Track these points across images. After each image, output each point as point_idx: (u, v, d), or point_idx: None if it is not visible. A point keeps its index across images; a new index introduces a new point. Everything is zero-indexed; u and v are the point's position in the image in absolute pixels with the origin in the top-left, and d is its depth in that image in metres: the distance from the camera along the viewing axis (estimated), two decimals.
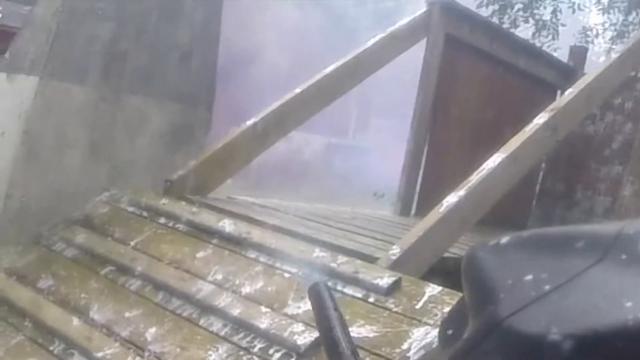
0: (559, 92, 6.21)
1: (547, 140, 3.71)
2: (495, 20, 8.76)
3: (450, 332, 0.64)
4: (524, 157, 3.55)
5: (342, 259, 2.84)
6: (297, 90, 4.30)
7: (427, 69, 5.25)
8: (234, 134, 3.98)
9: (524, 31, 9.09)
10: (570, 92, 3.90)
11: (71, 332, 2.72)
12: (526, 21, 9.01)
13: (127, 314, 2.80)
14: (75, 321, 2.78)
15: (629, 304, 0.50)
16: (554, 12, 8.96)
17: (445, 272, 3.26)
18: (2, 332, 2.84)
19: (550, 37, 9.04)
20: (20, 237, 3.42)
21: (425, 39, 5.19)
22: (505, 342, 0.52)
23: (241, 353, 2.50)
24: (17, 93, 3.53)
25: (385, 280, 2.66)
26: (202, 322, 2.69)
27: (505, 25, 8.94)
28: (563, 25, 9.07)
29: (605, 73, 4.12)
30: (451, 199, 3.19)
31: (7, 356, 2.74)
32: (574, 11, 9.26)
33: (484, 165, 3.39)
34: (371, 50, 4.74)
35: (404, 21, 5.02)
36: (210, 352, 2.52)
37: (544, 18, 9.05)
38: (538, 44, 9.02)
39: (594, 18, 9.99)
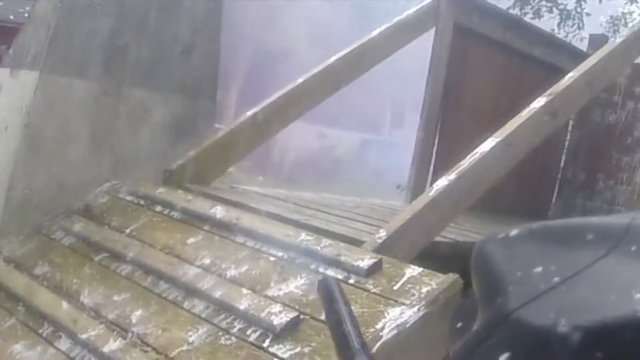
0: None
1: (545, 125, 3.66)
2: (517, 11, 8.66)
3: (459, 325, 0.63)
4: (520, 142, 3.51)
5: (325, 242, 2.86)
6: (299, 80, 4.33)
7: (436, 58, 5.23)
8: (234, 124, 4.03)
9: (549, 21, 8.97)
10: (570, 77, 3.85)
11: (60, 316, 2.79)
12: (550, 11, 8.88)
13: (115, 298, 2.86)
14: (65, 305, 2.85)
15: (638, 296, 0.50)
16: (578, 1, 8.81)
17: (438, 256, 3.26)
18: None
19: (575, 26, 8.90)
20: (23, 228, 3.51)
21: (433, 29, 5.19)
22: (514, 335, 0.52)
23: (220, 334, 2.53)
24: (20, 88, 3.63)
25: (365, 262, 2.67)
26: (186, 304, 2.73)
27: (528, 16, 8.84)
28: (588, 14, 8.92)
29: (607, 58, 4.05)
30: (441, 183, 3.18)
31: None
32: (600, 1, 9.10)
33: (477, 150, 3.37)
34: (376, 40, 4.74)
35: (410, 11, 5.01)
36: (190, 333, 2.56)
37: (568, 7, 8.91)
38: (563, 34, 8.91)
39: (622, 7, 9.79)
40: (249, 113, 4.07)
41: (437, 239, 3.42)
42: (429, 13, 5.07)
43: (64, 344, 2.66)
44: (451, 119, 5.49)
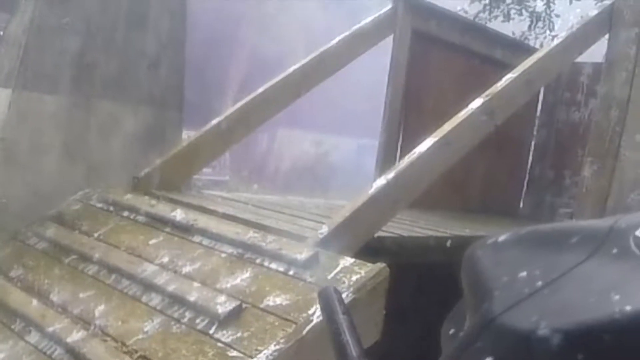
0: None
1: (483, 125, 3.91)
2: (486, 14, 8.94)
3: (452, 331, 0.63)
4: (459, 141, 3.76)
5: (271, 238, 3.14)
6: (260, 90, 4.60)
7: (395, 64, 5.49)
8: (199, 133, 4.30)
9: (519, 24, 9.25)
10: (507, 78, 4.12)
11: (30, 312, 3.07)
12: (520, 14, 9.16)
13: (81, 295, 3.14)
14: (35, 303, 3.13)
15: (616, 297, 0.50)
16: (547, 3, 9.09)
17: (382, 250, 3.54)
18: None
19: (545, 28, 9.17)
20: (1, 235, 3.79)
21: (392, 36, 5.46)
22: (498, 339, 0.52)
23: (172, 323, 2.81)
24: None
25: (303, 255, 2.95)
26: (144, 298, 3.01)
27: (499, 19, 9.12)
28: (557, 15, 9.20)
29: (545, 58, 4.31)
30: (380, 182, 3.45)
31: None
32: (571, 2, 9.37)
33: (414, 150, 3.64)
34: (335, 48, 5.01)
35: (369, 19, 5.29)
36: (146, 324, 2.84)
37: (537, 10, 9.19)
38: (533, 36, 9.19)
39: (592, 7, 10.03)
40: (213, 122, 4.35)
41: (383, 234, 3.70)
42: (387, 20, 5.34)
43: (33, 337, 2.94)
44: (413, 121, 5.75)
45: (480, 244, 0.65)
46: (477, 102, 3.87)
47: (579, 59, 6.69)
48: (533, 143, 7.07)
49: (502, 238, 0.63)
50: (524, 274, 0.56)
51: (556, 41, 4.59)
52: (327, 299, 0.89)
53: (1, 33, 3.72)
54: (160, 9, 4.35)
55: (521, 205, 7.02)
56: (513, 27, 8.94)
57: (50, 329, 2.89)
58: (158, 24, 4.36)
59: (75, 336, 2.81)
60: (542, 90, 6.75)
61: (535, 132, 7.16)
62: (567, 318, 0.51)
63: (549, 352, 0.50)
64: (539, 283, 0.55)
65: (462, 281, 0.64)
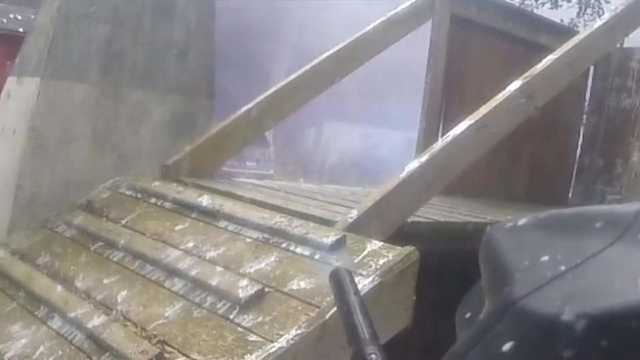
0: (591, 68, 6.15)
1: (522, 108, 3.74)
2: (533, 2, 8.68)
3: (468, 315, 0.63)
4: (496, 124, 3.60)
5: (297, 222, 3.03)
6: (293, 76, 4.50)
7: (434, 49, 5.33)
8: (228, 120, 4.22)
9: (568, 11, 8.96)
10: (548, 59, 3.93)
11: (54, 298, 3.02)
12: (568, 0, 8.87)
13: (105, 281, 3.09)
14: (59, 289, 3.09)
15: None
16: None
17: (417, 235, 3.39)
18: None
19: (594, 14, 8.86)
20: (31, 223, 3.77)
21: (430, 21, 5.30)
22: (519, 323, 0.52)
23: (193, 308, 2.73)
24: (24, 94, 3.90)
25: (330, 238, 2.83)
26: (166, 283, 2.94)
27: (547, 6, 8.85)
28: (607, 1, 8.86)
29: (588, 40, 4.11)
30: (413, 165, 3.31)
31: None
32: None
33: (450, 132, 3.49)
34: (370, 34, 4.88)
35: (405, 4, 5.14)
36: (167, 309, 2.76)
37: None
38: (582, 23, 8.87)
39: None
40: (244, 109, 4.27)
41: (418, 219, 3.55)
42: (424, 6, 5.19)
43: (55, 323, 2.89)
44: (455, 108, 5.57)
45: (498, 227, 0.63)
46: (515, 85, 3.70)
47: (630, 44, 6.44)
48: (582, 131, 6.81)
49: (521, 222, 0.62)
50: (546, 258, 0.55)
51: (599, 22, 4.37)
52: (338, 280, 0.88)
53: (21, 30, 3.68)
54: None
55: (570, 194, 6.77)
56: (561, 14, 8.67)
57: (72, 315, 2.84)
58: (186, 13, 4.30)
59: (96, 321, 2.74)
60: (590, 76, 6.51)
61: (584, 120, 6.89)
62: (592, 303, 0.50)
63: (572, 337, 0.49)
64: (562, 267, 0.53)
65: (480, 264, 0.63)
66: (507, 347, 0.51)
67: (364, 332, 0.76)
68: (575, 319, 0.49)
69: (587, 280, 0.52)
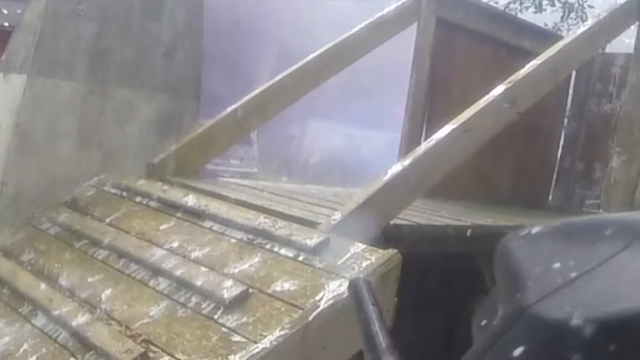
0: (573, 72, 6.23)
1: (505, 112, 3.79)
2: (517, 5, 8.75)
3: (484, 322, 0.63)
4: (479, 129, 3.65)
5: (281, 223, 3.07)
6: (278, 77, 4.54)
7: (419, 52, 5.37)
8: (214, 120, 4.25)
9: (551, 15, 9.03)
10: (531, 64, 3.99)
11: (38, 296, 3.03)
12: (552, 4, 8.95)
13: (89, 279, 3.11)
14: (43, 286, 3.10)
15: None
16: None
17: (399, 238, 3.44)
18: None
19: (578, 19, 8.94)
20: (16, 220, 3.78)
21: (415, 24, 5.34)
22: (531, 329, 0.53)
23: (178, 307, 2.75)
24: (10, 90, 3.90)
25: (313, 240, 2.87)
26: (151, 282, 2.96)
27: (530, 10, 8.92)
28: (591, 6, 8.96)
29: (571, 46, 4.17)
30: (396, 168, 3.35)
31: None
32: None
33: (433, 136, 3.54)
34: (356, 36, 4.92)
35: (391, 7, 5.18)
36: (152, 308, 2.79)
37: (570, 0, 8.96)
38: (566, 28, 8.96)
39: None
40: (229, 109, 4.29)
41: (400, 222, 3.60)
42: (410, 8, 5.23)
43: (39, 320, 2.91)
44: (438, 111, 5.62)
45: (513, 235, 0.65)
46: (498, 89, 3.75)
47: (611, 50, 6.52)
48: (563, 135, 6.89)
49: (535, 230, 0.63)
50: (557, 265, 0.56)
51: (582, 28, 4.44)
52: (357, 290, 0.89)
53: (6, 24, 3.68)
54: None
55: (550, 197, 6.85)
56: (545, 19, 8.74)
57: (57, 313, 2.86)
58: (174, 12, 4.32)
59: (80, 320, 2.76)
60: (572, 81, 6.59)
61: (565, 124, 6.98)
62: (601, 308, 0.50)
63: (581, 342, 0.49)
64: (573, 274, 0.54)
65: (495, 272, 0.64)
66: (518, 352, 0.52)
67: (382, 342, 0.77)
68: (585, 324, 0.50)
69: (597, 286, 0.53)
